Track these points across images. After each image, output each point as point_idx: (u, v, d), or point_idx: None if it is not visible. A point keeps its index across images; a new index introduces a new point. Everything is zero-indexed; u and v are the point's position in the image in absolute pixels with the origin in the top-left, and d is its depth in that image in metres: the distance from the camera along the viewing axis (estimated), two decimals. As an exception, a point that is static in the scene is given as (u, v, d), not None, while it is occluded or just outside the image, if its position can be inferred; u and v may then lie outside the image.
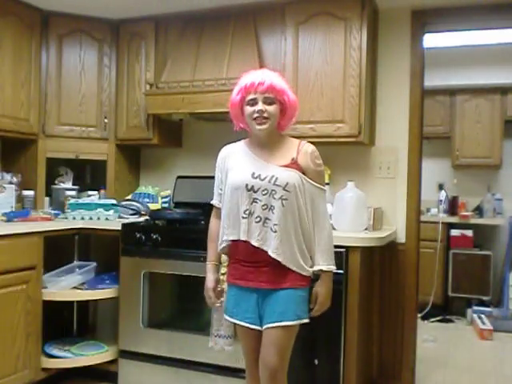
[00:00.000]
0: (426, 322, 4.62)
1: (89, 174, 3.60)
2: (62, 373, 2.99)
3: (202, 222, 2.83)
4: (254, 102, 1.94)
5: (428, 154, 4.21)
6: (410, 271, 3.03)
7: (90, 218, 3.05)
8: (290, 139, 2.08)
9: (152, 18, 3.30)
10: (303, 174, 1.96)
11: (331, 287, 2.02)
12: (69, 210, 3.08)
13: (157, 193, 3.52)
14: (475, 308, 4.63)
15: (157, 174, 3.67)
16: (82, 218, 3.05)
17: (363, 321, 2.68)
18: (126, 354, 2.92)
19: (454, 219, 4.94)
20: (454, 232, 4.90)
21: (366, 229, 2.75)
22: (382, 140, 3.09)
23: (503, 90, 4.92)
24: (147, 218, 3.14)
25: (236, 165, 2.02)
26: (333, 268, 1.99)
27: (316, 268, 1.97)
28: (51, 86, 3.29)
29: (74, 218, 3.04)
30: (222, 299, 2.15)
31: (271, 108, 1.94)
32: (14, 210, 3.01)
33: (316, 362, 2.53)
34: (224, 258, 2.16)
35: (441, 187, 5.14)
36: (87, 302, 3.31)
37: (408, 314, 3.03)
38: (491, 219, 4.96)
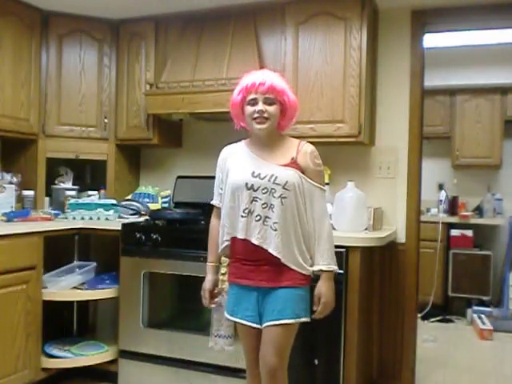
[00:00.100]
0: (425, 322, 4.62)
1: (89, 174, 3.60)
2: (61, 373, 2.99)
3: (202, 222, 2.84)
4: (254, 102, 1.95)
5: (428, 154, 4.21)
6: (409, 271, 3.03)
7: (90, 218, 3.05)
8: (290, 139, 2.08)
9: (152, 18, 3.30)
10: (303, 173, 1.97)
11: (333, 287, 2.00)
12: (69, 210, 3.08)
13: (157, 193, 3.52)
14: (475, 308, 4.63)
15: (157, 174, 3.67)
16: (82, 218, 3.05)
17: (363, 321, 2.68)
18: (125, 354, 2.92)
19: (453, 219, 4.94)
20: (454, 232, 4.90)
21: (366, 229, 2.75)
22: (382, 140, 3.09)
23: (503, 90, 4.92)
24: (147, 217, 3.14)
25: (236, 164, 2.03)
26: (334, 268, 1.99)
27: (316, 268, 1.97)
28: (51, 86, 3.29)
29: (74, 218, 3.04)
30: (217, 300, 2.17)
31: (271, 108, 1.95)
32: (14, 209, 3.01)
33: (316, 362, 2.53)
34: (224, 258, 2.17)
35: (441, 187, 5.14)
36: (87, 302, 3.31)
37: (408, 314, 3.03)
38: (491, 219, 4.96)
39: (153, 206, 3.37)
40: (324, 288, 1.98)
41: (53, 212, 3.08)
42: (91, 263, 3.07)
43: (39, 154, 3.26)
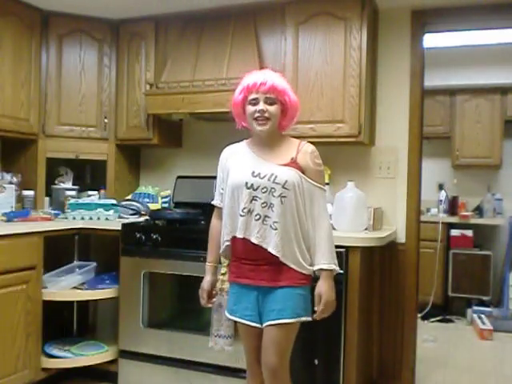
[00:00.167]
0: (425, 321, 4.62)
1: (89, 174, 3.60)
2: (62, 373, 2.99)
3: (202, 222, 2.84)
4: (255, 102, 1.96)
5: (428, 154, 4.20)
6: (409, 271, 3.03)
7: (90, 218, 3.05)
8: (291, 139, 2.09)
9: (152, 18, 3.30)
10: (303, 173, 1.97)
11: (333, 286, 1.99)
12: (69, 210, 3.08)
13: (157, 193, 3.52)
14: (475, 308, 4.63)
15: (157, 174, 3.67)
16: (82, 218, 3.05)
17: (363, 321, 2.68)
18: (125, 354, 2.92)
19: (453, 219, 4.94)
20: (454, 232, 4.90)
21: (366, 229, 2.75)
22: (382, 140, 3.09)
23: (503, 90, 4.92)
24: (147, 217, 3.14)
25: (237, 164, 2.04)
26: (334, 267, 1.97)
27: (316, 267, 1.97)
28: (51, 86, 3.29)
29: (74, 218, 3.04)
30: (215, 300, 2.19)
31: (272, 108, 1.96)
32: (14, 209, 3.01)
33: (316, 362, 2.53)
34: (223, 258, 2.17)
35: (441, 187, 5.14)
36: (87, 301, 3.31)
37: (408, 314, 3.03)
38: (491, 219, 4.96)
39: (153, 206, 3.37)
40: (325, 287, 1.96)
41: (53, 212, 3.08)
42: (91, 263, 3.07)
43: (39, 154, 3.26)
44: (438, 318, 4.71)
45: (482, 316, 4.45)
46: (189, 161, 3.56)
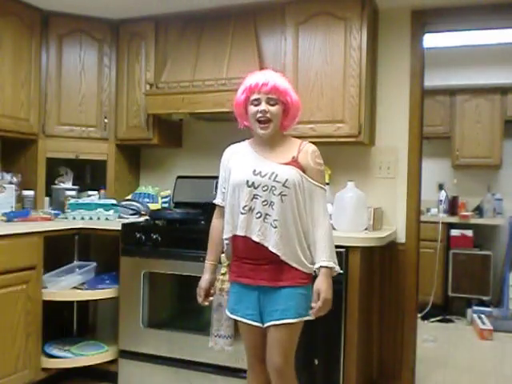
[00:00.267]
0: (426, 322, 4.62)
1: (89, 174, 3.60)
2: (62, 373, 2.99)
3: (202, 222, 2.84)
4: (257, 103, 1.97)
5: (428, 154, 4.20)
6: (410, 271, 3.03)
7: (90, 218, 3.05)
8: (292, 139, 2.10)
9: (152, 18, 3.30)
10: (303, 172, 1.98)
11: (331, 285, 1.97)
12: (69, 210, 3.08)
13: (157, 193, 3.52)
14: (475, 308, 4.63)
15: (157, 174, 3.67)
16: (82, 218, 3.05)
17: (363, 321, 2.68)
18: (125, 354, 2.92)
19: (453, 219, 4.94)
20: (454, 232, 4.90)
21: (366, 229, 2.75)
22: (382, 140, 3.09)
23: (503, 90, 4.92)
24: (147, 217, 3.14)
25: (238, 163, 2.05)
26: (334, 266, 1.96)
27: (317, 265, 1.95)
28: (51, 86, 3.29)
29: (74, 218, 3.04)
30: (212, 298, 2.19)
31: (274, 108, 1.97)
32: (14, 209, 3.01)
33: (316, 362, 2.53)
34: (223, 257, 2.17)
35: (441, 187, 5.14)
36: (87, 301, 3.31)
37: (408, 314, 3.04)
38: (491, 219, 4.96)
39: (153, 206, 3.37)
40: (324, 285, 1.93)
41: (53, 212, 3.08)
42: (91, 263, 3.07)
43: (39, 154, 3.26)
44: (437, 318, 4.71)
45: (482, 316, 4.45)
46: (189, 161, 3.56)
